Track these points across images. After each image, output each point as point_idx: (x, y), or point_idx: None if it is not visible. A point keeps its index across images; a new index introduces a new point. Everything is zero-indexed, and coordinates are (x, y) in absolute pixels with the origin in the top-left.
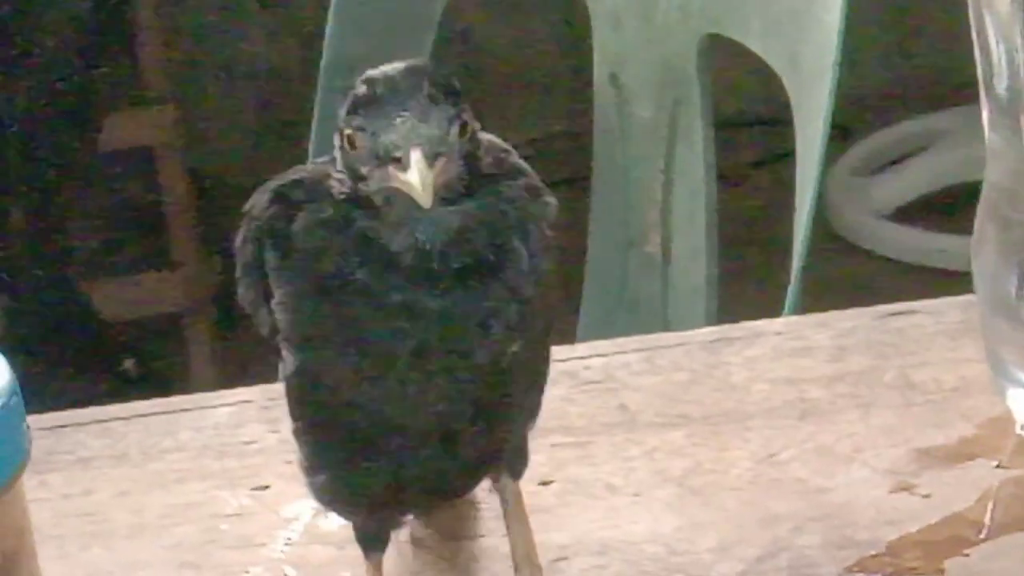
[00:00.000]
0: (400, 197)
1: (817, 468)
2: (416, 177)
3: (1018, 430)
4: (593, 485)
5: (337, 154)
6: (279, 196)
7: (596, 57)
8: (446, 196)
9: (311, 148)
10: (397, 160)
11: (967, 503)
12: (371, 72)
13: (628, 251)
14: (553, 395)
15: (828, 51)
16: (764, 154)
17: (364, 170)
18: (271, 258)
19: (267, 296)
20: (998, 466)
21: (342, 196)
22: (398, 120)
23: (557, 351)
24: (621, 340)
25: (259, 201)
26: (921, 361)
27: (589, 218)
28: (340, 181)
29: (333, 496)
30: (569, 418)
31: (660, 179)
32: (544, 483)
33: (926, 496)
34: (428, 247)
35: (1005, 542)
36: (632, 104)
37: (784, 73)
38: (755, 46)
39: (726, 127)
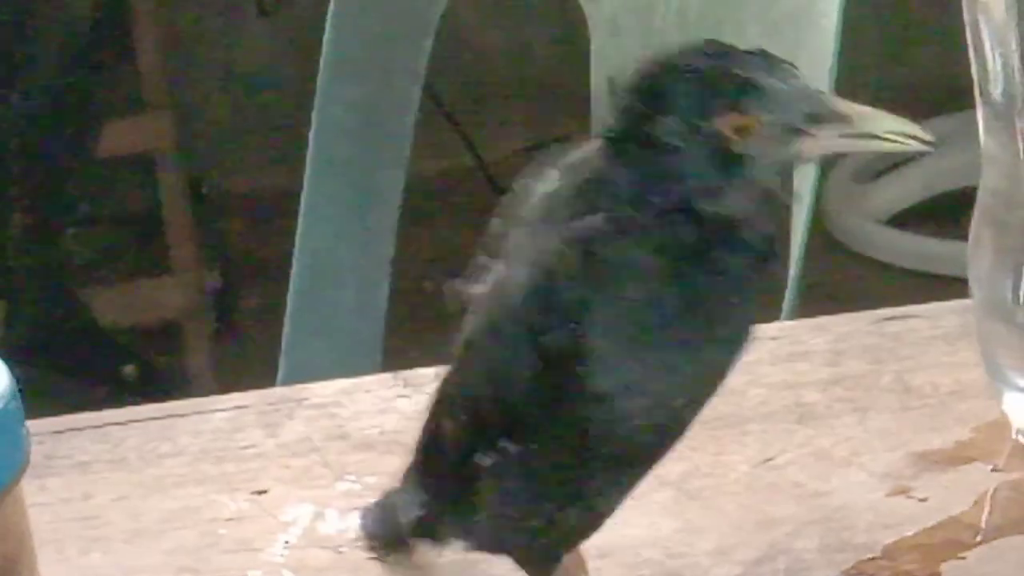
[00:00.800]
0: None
1: (814, 472)
2: (901, 122)
3: (1014, 434)
4: None
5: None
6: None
7: (593, 63)
8: None
9: (309, 155)
10: (821, 121)
11: (964, 507)
12: (680, 63)
13: None
14: None
15: (826, 55)
16: None
17: (760, 150)
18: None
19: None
20: (994, 470)
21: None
22: (796, 82)
23: None
24: None
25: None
26: (918, 365)
27: None
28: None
29: (571, 530)
30: None
31: None
32: None
33: (923, 500)
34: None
35: (1001, 545)
36: None
37: None
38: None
39: None
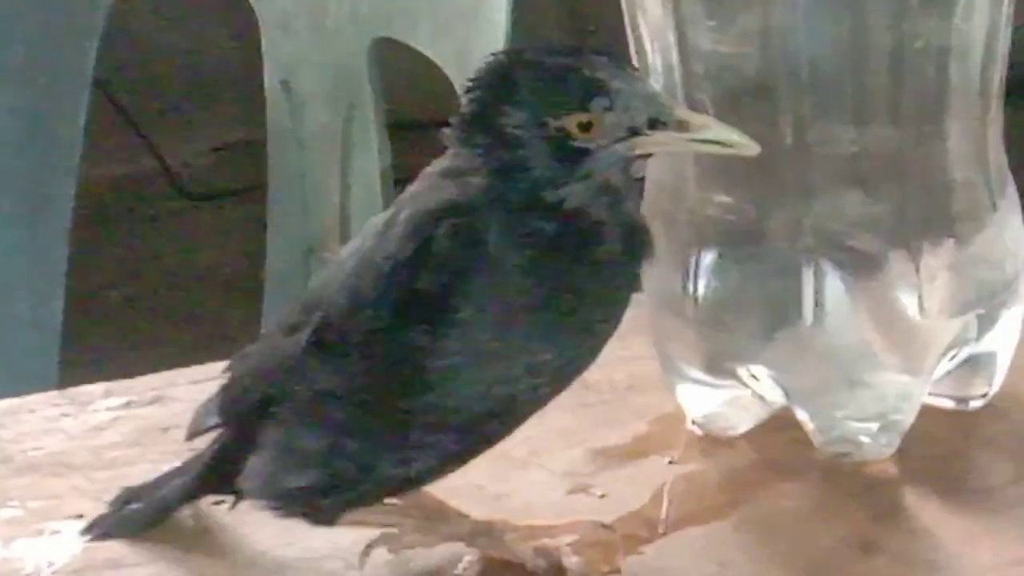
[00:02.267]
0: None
1: (494, 473)
2: (731, 131)
3: (689, 425)
4: None
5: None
6: (461, 228)
7: (267, 63)
8: None
9: None
10: (661, 124)
11: (642, 501)
12: (529, 59)
13: (308, 258)
14: None
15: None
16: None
17: (601, 146)
18: (470, 282)
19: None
20: (671, 462)
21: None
22: (640, 85)
23: None
24: None
25: (439, 237)
26: (594, 362)
27: (268, 226)
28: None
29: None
30: None
31: (337, 184)
32: (216, 503)
33: (602, 496)
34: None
35: (679, 538)
36: (305, 110)
37: (453, 74)
38: (425, 48)
39: (407, 129)
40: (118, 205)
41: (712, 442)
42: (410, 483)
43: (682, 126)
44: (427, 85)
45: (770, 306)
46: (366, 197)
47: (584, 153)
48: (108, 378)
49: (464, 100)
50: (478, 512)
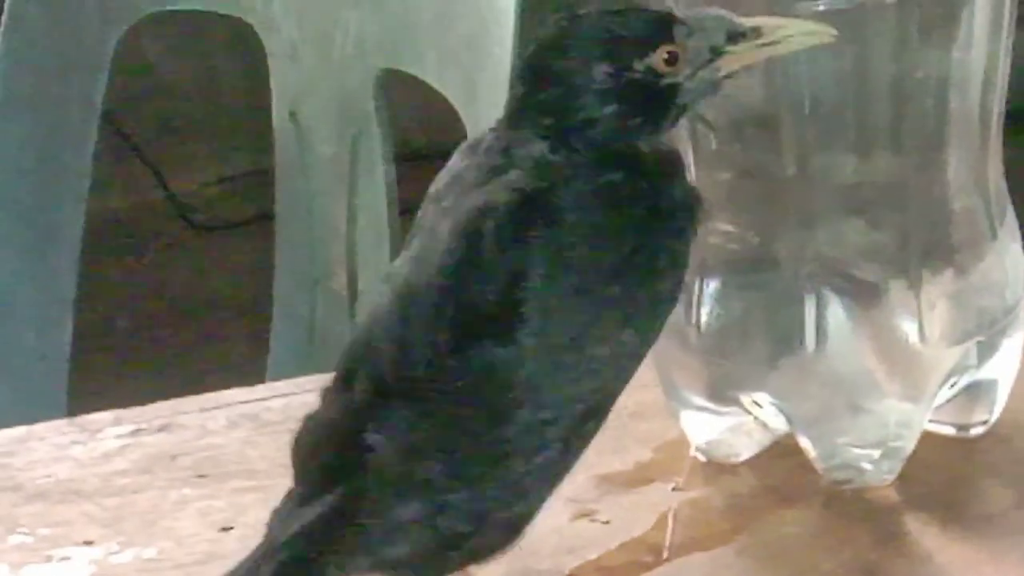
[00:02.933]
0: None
1: None
2: (803, 23)
3: (693, 452)
4: None
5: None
6: (509, 220)
7: (274, 93)
8: None
9: None
10: (740, 37)
11: (646, 527)
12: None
13: (315, 288)
14: (233, 438)
15: (502, 82)
16: None
17: (688, 76)
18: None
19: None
20: (675, 489)
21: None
22: (702, 8)
23: (237, 393)
24: (301, 380)
25: (487, 241)
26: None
27: (275, 256)
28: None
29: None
30: (250, 461)
31: (344, 215)
32: (224, 529)
33: (606, 522)
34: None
35: (683, 564)
36: (312, 140)
37: (460, 105)
38: (431, 79)
39: (413, 160)
40: (126, 235)
41: (715, 468)
42: (521, 521)
43: (758, 34)
44: (434, 116)
45: (773, 334)
46: (373, 228)
47: (675, 90)
48: (116, 406)
49: (524, 64)
50: None
